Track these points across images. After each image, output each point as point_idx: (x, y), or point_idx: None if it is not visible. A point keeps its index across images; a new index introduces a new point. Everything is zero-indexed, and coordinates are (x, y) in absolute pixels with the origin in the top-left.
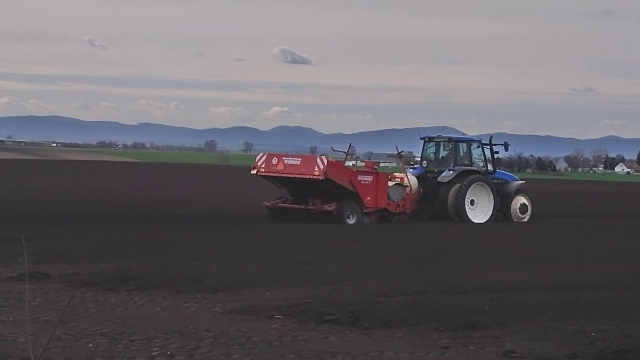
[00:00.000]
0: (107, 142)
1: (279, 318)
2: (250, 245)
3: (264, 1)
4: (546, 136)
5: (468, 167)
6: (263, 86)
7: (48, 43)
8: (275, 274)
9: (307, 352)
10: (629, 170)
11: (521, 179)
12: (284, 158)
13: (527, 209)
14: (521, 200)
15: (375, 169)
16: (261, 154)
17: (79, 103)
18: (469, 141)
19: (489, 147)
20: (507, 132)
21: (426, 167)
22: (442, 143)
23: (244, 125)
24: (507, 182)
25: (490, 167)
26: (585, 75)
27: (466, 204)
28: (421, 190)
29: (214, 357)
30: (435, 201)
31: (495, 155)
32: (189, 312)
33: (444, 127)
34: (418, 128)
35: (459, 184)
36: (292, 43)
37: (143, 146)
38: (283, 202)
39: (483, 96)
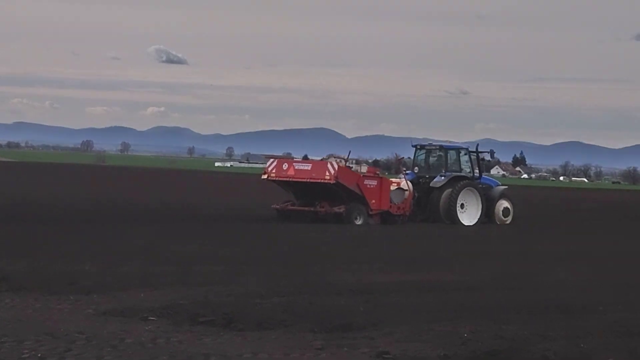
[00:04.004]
0: None
1: (153, 319)
2: (125, 246)
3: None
4: (424, 138)
5: (458, 173)
6: (139, 86)
7: None
8: (149, 275)
9: (180, 353)
10: (505, 172)
11: None
12: (294, 163)
13: (510, 213)
14: (504, 204)
15: (378, 174)
16: (272, 160)
17: None
18: (457, 149)
19: (475, 154)
20: (385, 134)
21: (417, 172)
22: (432, 150)
23: (120, 125)
24: (491, 187)
25: (477, 172)
26: (460, 78)
27: (457, 207)
28: (415, 195)
29: None
30: (428, 205)
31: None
32: (61, 313)
33: (322, 128)
34: (410, 138)
35: (451, 189)
36: (167, 42)
37: (18, 145)
38: (292, 205)
39: (361, 98)
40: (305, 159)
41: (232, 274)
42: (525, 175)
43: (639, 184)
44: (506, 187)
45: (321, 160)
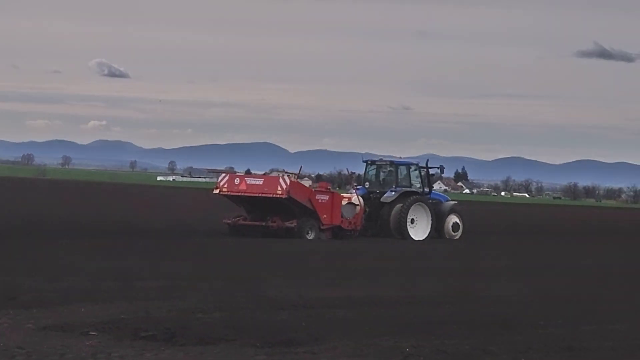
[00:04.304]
0: None
1: (94, 334)
2: (66, 260)
3: (77, 13)
4: (366, 153)
5: (408, 189)
6: (81, 99)
7: None
8: (91, 289)
9: None
10: (447, 187)
11: None
12: (246, 178)
13: (459, 228)
14: (454, 219)
15: (329, 189)
16: (223, 175)
17: None
18: (407, 164)
19: (425, 169)
20: (328, 149)
21: (368, 188)
22: (383, 166)
23: (62, 138)
24: (441, 202)
25: (427, 188)
26: (402, 93)
27: (408, 222)
28: (366, 209)
29: None
30: (378, 220)
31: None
32: (1, 328)
33: (265, 143)
34: (362, 153)
35: (401, 204)
36: (108, 56)
37: None
38: (243, 220)
39: (304, 113)
40: (248, 173)
41: (173, 289)
42: (467, 191)
43: (579, 200)
44: (456, 202)
45: (264, 174)
